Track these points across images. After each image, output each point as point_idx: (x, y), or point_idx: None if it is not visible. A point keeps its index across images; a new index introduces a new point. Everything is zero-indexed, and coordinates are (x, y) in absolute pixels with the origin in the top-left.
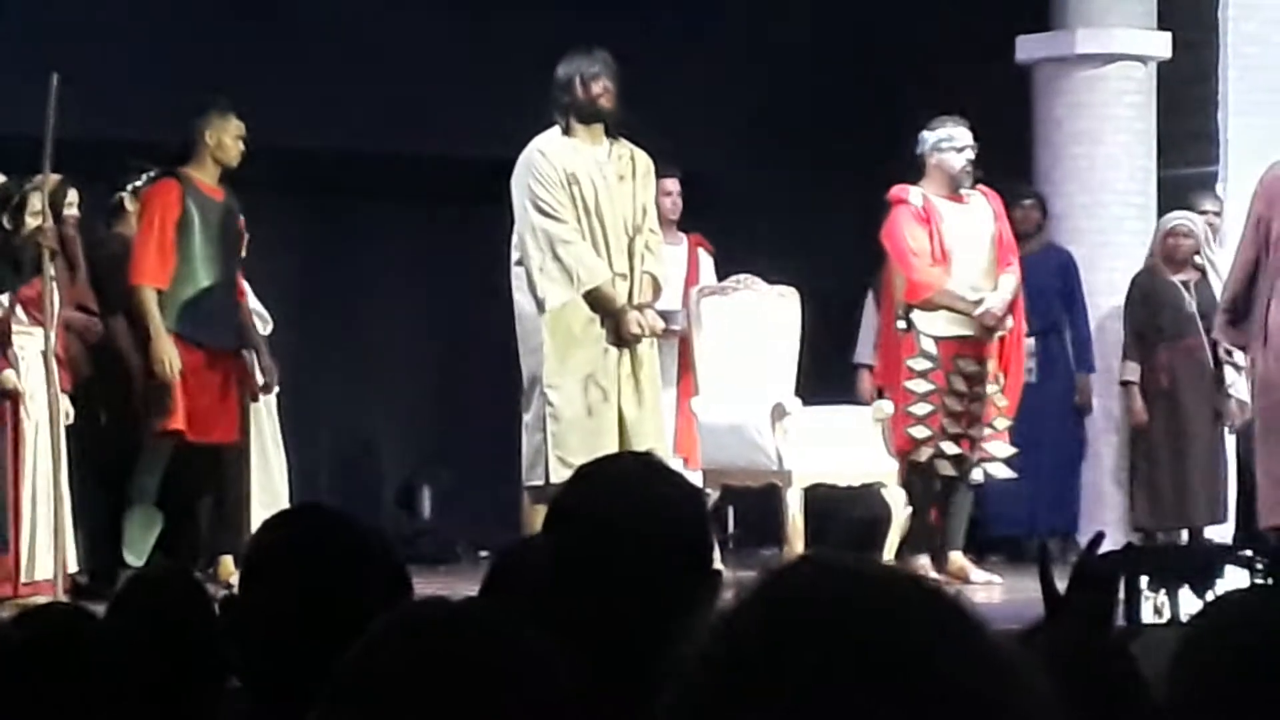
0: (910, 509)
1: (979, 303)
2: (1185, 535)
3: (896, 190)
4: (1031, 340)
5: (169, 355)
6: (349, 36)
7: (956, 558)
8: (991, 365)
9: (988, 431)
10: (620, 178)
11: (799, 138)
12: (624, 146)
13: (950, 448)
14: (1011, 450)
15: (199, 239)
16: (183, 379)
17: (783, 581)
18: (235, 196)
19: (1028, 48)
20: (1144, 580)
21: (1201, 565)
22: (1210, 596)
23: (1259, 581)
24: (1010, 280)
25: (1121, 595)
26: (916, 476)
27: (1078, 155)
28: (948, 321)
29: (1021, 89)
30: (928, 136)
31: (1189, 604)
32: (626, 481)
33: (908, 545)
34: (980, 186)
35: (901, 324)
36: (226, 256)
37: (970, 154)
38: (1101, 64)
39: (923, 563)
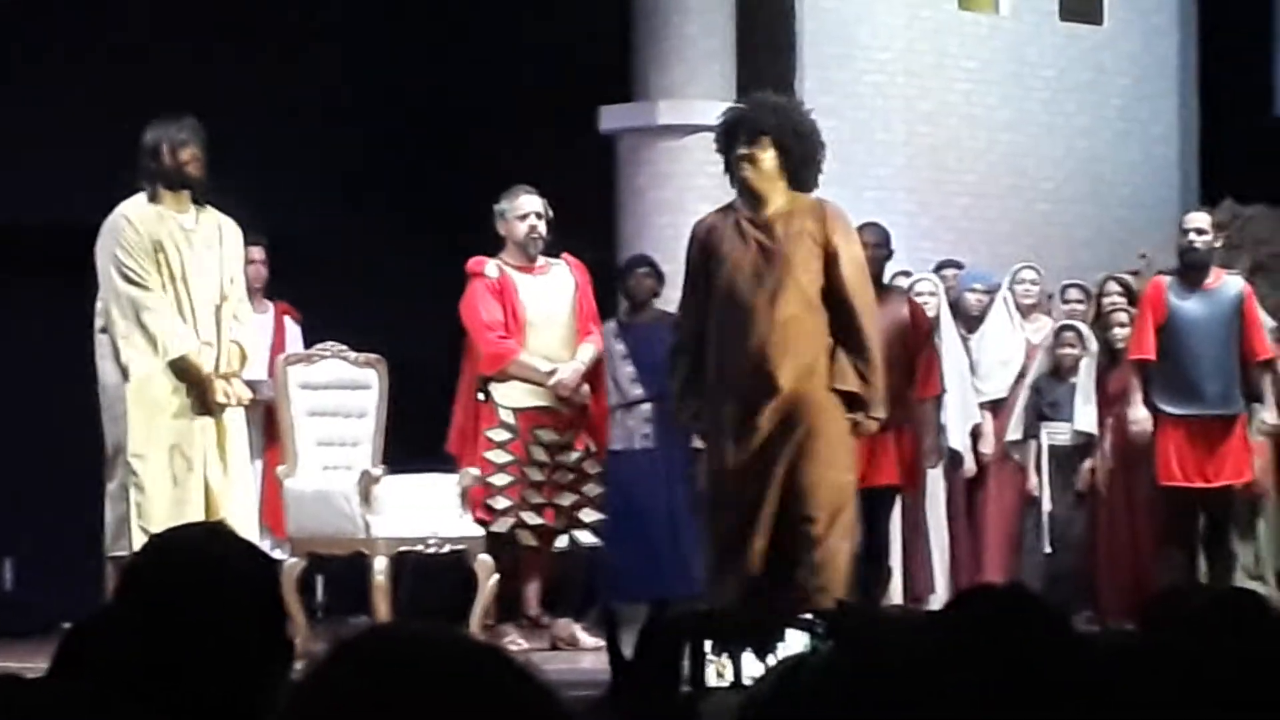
0: (498, 576)
1: (553, 373)
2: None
3: (473, 263)
4: (649, 406)
5: None
6: None
7: (566, 624)
8: (573, 434)
9: (576, 498)
10: (208, 246)
11: (387, 204)
12: (211, 214)
13: (532, 518)
14: (600, 516)
15: None
16: None
17: (351, 652)
18: None
19: (611, 118)
20: (708, 644)
21: (764, 629)
22: (772, 660)
23: (818, 644)
24: (589, 349)
25: (686, 660)
26: (499, 546)
27: (662, 224)
28: (525, 393)
29: (606, 158)
30: (496, 206)
31: (752, 667)
32: (194, 552)
33: (496, 612)
34: (565, 255)
35: (480, 395)
36: None
37: (536, 221)
38: (683, 135)
39: (510, 630)
